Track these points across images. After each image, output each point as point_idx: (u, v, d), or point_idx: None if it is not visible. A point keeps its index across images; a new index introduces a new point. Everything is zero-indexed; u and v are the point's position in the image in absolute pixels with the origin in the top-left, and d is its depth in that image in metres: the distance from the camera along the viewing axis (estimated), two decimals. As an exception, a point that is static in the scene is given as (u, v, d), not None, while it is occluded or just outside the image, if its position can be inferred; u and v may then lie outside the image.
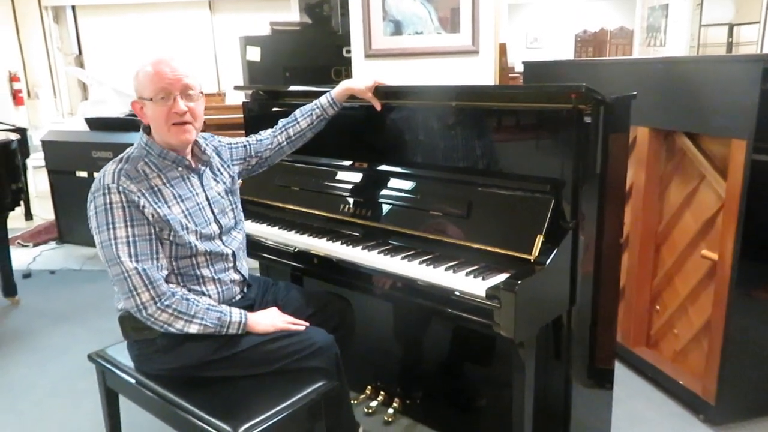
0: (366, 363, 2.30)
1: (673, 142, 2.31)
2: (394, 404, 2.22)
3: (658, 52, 7.86)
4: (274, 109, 2.40)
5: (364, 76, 1.95)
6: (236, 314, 1.63)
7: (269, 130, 1.99)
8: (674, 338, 2.40)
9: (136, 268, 1.51)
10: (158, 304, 1.53)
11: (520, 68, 6.16)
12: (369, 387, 2.30)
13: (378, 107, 1.95)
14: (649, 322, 2.53)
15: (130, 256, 1.52)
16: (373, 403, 2.24)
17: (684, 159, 2.27)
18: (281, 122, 1.99)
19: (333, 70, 4.09)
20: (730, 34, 7.73)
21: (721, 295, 2.04)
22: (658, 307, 2.48)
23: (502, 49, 3.37)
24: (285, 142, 1.97)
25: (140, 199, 1.54)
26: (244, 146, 1.93)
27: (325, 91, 1.97)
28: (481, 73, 2.92)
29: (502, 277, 1.56)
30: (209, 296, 1.68)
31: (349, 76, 3.63)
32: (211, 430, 1.46)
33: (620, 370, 2.55)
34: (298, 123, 1.97)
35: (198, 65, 8.08)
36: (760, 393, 2.15)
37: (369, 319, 2.23)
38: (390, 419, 2.20)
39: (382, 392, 2.27)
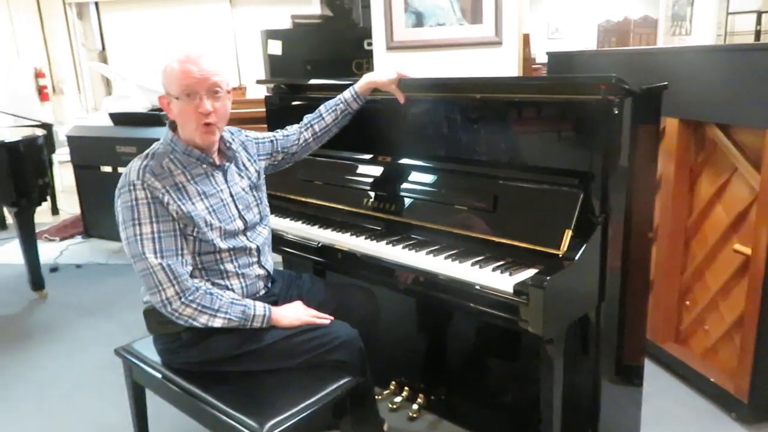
0: (390, 358, 2.28)
1: (704, 134, 2.25)
2: (419, 400, 2.20)
3: (683, 42, 7.68)
4: (296, 102, 2.39)
5: (387, 68, 1.93)
6: (260, 308, 1.63)
7: (295, 126, 1.98)
8: (705, 334, 2.35)
9: (160, 264, 1.52)
10: (182, 299, 1.53)
11: (541, 59, 6.07)
12: (393, 382, 2.29)
13: (401, 100, 1.93)
14: (678, 317, 2.48)
15: (155, 252, 1.52)
16: (398, 399, 2.23)
17: (715, 151, 2.21)
18: (306, 118, 1.98)
19: (354, 63, 4.06)
20: (759, 21, 7.53)
21: (755, 290, 1.99)
22: (687, 302, 2.43)
23: (526, 40, 3.31)
24: (311, 138, 1.97)
25: (164, 195, 1.54)
26: (271, 141, 1.92)
27: (348, 84, 1.96)
28: (505, 64, 2.88)
29: (529, 272, 1.53)
30: (233, 290, 1.68)
31: (370, 68, 3.61)
32: (237, 425, 1.47)
33: (648, 367, 2.48)
34: (323, 118, 1.96)
35: (220, 55, 8.10)
36: (795, 391, 2.10)
37: (393, 314, 2.22)
38: (415, 415, 2.19)
39: (406, 388, 2.25)
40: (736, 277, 2.15)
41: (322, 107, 1.97)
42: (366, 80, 1.93)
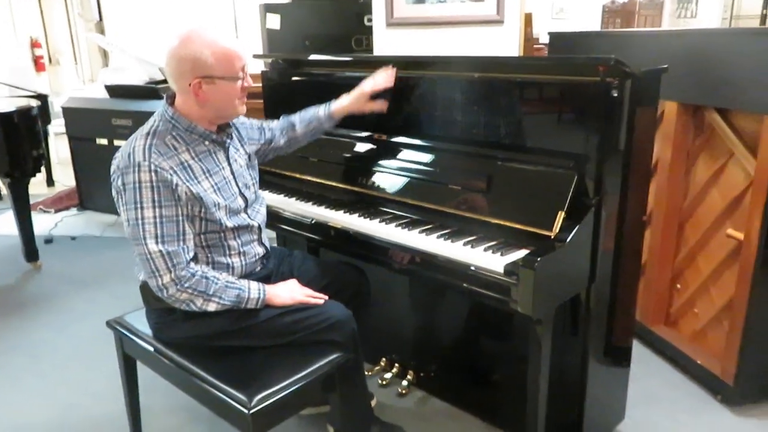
0: (381, 335, 2.30)
1: (702, 118, 2.24)
2: (408, 376, 2.23)
3: (688, 24, 7.61)
4: (294, 78, 2.36)
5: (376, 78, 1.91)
6: (255, 290, 1.63)
7: (277, 125, 1.97)
8: (694, 317, 2.36)
9: (160, 251, 1.51)
10: (178, 286, 1.53)
11: (545, 39, 6.01)
12: (384, 359, 2.31)
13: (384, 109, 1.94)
14: (669, 300, 2.49)
15: (155, 238, 1.51)
16: (388, 375, 2.25)
17: (713, 135, 2.20)
18: (283, 122, 1.99)
19: (354, 39, 4.00)
20: (766, 5, 7.45)
21: (746, 275, 2.00)
22: (679, 285, 2.44)
23: (528, 20, 3.28)
24: (283, 145, 2.00)
25: (172, 176, 1.52)
26: (260, 129, 1.92)
27: (346, 61, 1.94)
28: (506, 43, 2.85)
29: (521, 253, 1.53)
30: (233, 268, 1.68)
31: (370, 45, 3.57)
32: (227, 398, 1.48)
33: (638, 349, 2.52)
34: (295, 131, 1.98)
35: (221, 28, 8.01)
36: (780, 375, 2.12)
37: (385, 292, 2.23)
38: (404, 391, 2.21)
39: (396, 364, 2.28)
40: (727, 261, 2.16)
41: (297, 117, 1.98)
42: (342, 105, 1.95)
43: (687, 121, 2.28)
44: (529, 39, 3.30)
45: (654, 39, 2.46)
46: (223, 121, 1.69)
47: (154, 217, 1.51)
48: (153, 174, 1.50)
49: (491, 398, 2.08)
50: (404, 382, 2.22)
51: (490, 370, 2.08)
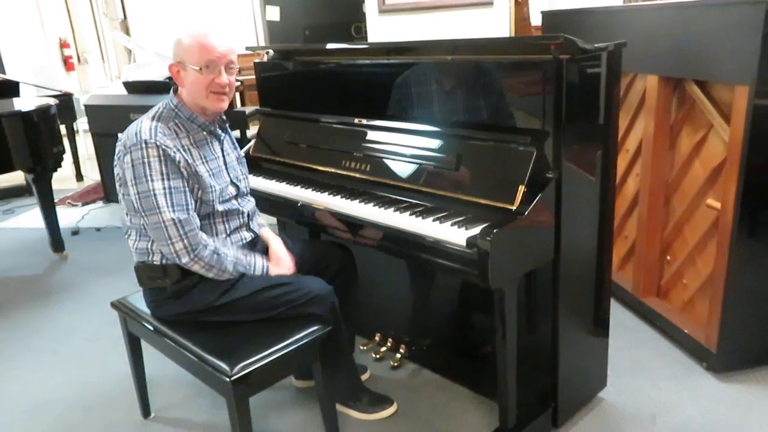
0: (376, 312, 2.41)
1: (684, 91, 2.26)
2: (401, 350, 2.33)
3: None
4: (287, 68, 2.45)
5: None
6: (259, 268, 1.80)
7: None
8: (683, 288, 2.40)
9: (172, 219, 1.63)
10: (191, 255, 1.66)
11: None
12: (378, 334, 2.41)
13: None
14: (660, 272, 2.52)
15: (167, 207, 1.64)
16: (382, 349, 2.36)
17: (694, 107, 2.22)
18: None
19: (353, 26, 4.08)
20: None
21: (723, 244, 2.03)
22: (668, 257, 2.47)
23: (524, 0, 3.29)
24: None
25: (176, 154, 1.66)
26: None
27: (333, 50, 2.00)
28: (496, 25, 2.89)
29: (483, 226, 1.60)
30: None
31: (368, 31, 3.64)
32: (210, 368, 1.61)
33: (631, 320, 2.58)
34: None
35: (238, 23, 8.14)
36: (760, 341, 2.14)
37: (379, 270, 2.32)
38: (396, 364, 2.31)
39: (390, 339, 2.38)
40: (710, 231, 2.18)
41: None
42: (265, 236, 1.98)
43: (669, 95, 2.30)
44: (525, 19, 3.31)
45: (637, 14, 2.47)
46: (207, 112, 1.79)
47: (164, 188, 1.64)
48: (159, 150, 1.63)
49: (478, 369, 2.16)
50: (397, 356, 2.32)
51: (477, 343, 2.16)
